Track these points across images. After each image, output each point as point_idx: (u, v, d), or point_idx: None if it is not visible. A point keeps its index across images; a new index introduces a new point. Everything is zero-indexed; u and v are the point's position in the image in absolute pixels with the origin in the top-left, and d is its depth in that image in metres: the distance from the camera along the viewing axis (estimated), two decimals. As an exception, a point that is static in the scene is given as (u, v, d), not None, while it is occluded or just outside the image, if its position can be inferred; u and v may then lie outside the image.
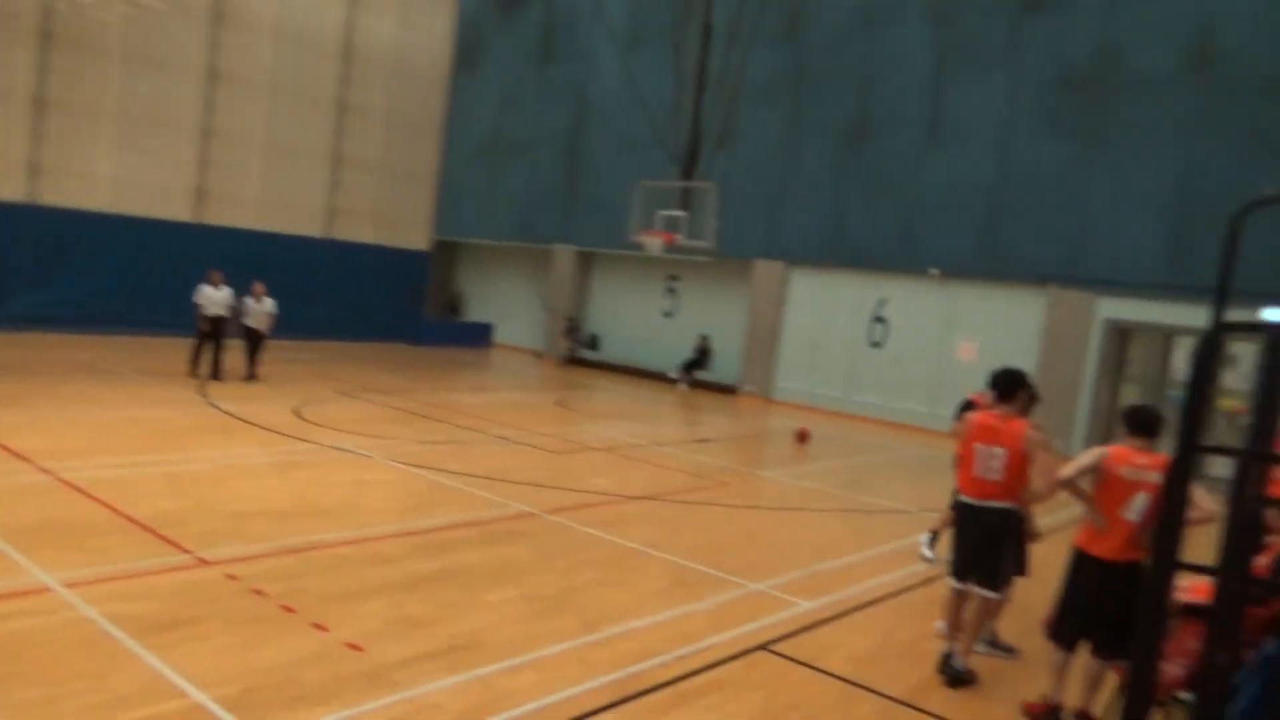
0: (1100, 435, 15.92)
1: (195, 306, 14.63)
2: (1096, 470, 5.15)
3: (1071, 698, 5.41)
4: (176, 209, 20.05)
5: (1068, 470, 5.19)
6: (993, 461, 5.54)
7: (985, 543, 5.63)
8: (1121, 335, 15.90)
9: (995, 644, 6.31)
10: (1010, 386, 5.68)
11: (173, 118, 19.67)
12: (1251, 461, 2.13)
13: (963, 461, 5.70)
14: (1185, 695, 4.70)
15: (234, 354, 15.05)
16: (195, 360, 14.66)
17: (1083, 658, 5.34)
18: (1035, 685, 5.81)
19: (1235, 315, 2.30)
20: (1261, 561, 4.69)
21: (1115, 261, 15.49)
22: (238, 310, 14.93)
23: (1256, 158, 14.13)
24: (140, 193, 19.34)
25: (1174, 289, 14.71)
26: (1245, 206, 2.14)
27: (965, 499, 5.71)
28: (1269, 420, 2.11)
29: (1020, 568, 6.07)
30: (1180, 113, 15.01)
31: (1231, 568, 2.15)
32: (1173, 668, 4.55)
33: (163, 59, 19.32)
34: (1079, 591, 5.18)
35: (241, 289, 15.13)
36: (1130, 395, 15.95)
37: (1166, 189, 15.10)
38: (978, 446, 5.59)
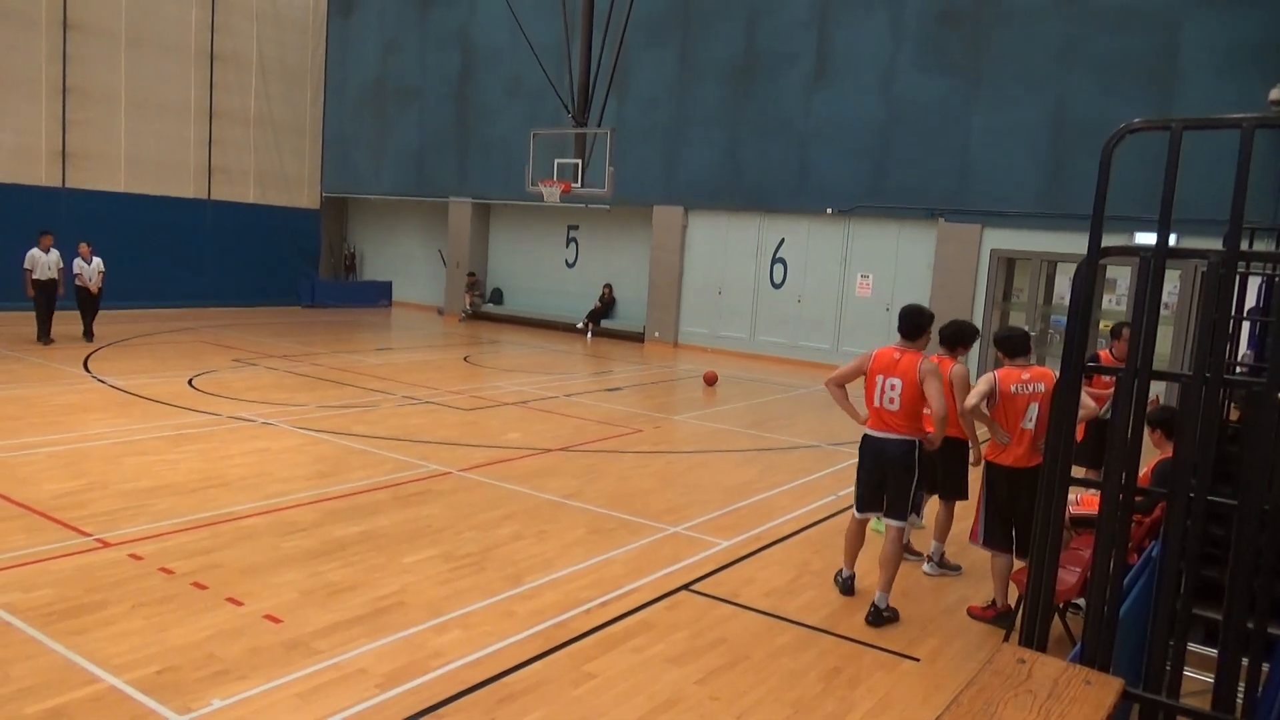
0: (995, 359, 16.62)
1: (24, 272, 14.32)
2: (992, 394, 5.66)
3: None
4: (36, 173, 18.78)
5: (971, 399, 5.66)
6: (891, 392, 5.69)
7: (893, 474, 5.74)
8: (1007, 264, 16.58)
9: (944, 564, 6.71)
10: (914, 325, 5.85)
11: (24, 76, 18.31)
12: (1131, 378, 2.26)
13: (866, 395, 5.89)
14: (1080, 600, 5.04)
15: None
16: (45, 328, 14.61)
17: (993, 559, 5.84)
18: (943, 600, 6.13)
19: (1111, 241, 2.42)
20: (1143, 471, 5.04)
21: (998, 193, 16.04)
22: (66, 273, 14.83)
23: (1124, 87, 14.77)
24: (-6, 156, 18.14)
25: (1053, 218, 15.37)
26: (1116, 135, 2.23)
27: (869, 431, 5.86)
28: (1146, 338, 2.24)
29: (962, 491, 6.64)
30: (1051, 45, 15.53)
31: (1114, 480, 2.28)
32: (1069, 576, 4.88)
33: (4, 9, 17.92)
34: (997, 500, 5.70)
35: (108, 255, 15.26)
36: (1019, 321, 16.70)
37: (1041, 121, 15.66)
38: (878, 378, 5.76)
